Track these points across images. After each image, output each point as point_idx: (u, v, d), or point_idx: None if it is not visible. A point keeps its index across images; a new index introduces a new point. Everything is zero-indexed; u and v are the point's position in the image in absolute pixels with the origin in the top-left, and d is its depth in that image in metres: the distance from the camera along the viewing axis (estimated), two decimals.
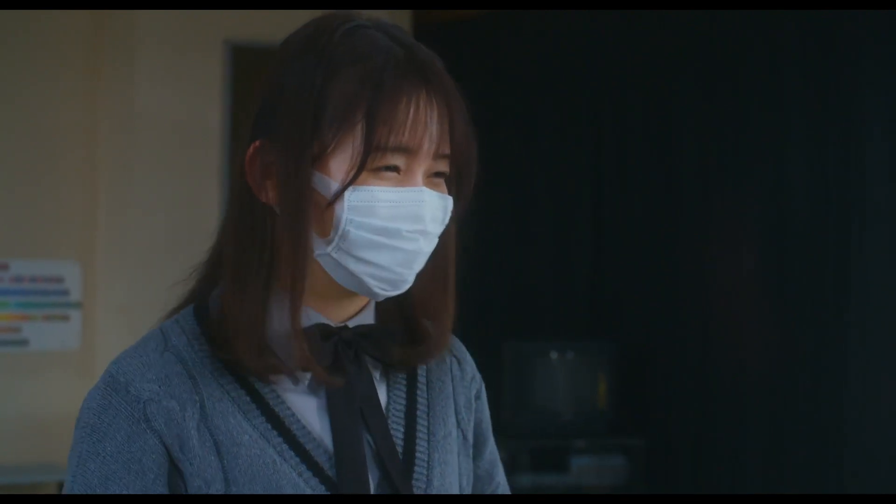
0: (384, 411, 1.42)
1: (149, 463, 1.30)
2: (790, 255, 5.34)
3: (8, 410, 6.17)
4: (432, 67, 1.36)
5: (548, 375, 5.71)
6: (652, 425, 5.77)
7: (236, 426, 1.33)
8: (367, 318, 1.42)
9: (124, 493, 1.29)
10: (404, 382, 1.46)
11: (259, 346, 1.34)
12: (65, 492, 1.34)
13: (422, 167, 1.34)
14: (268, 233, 1.35)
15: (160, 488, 1.30)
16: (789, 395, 5.32)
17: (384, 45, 1.35)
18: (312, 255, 1.34)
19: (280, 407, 1.36)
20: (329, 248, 1.33)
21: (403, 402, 1.45)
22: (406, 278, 1.36)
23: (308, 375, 1.37)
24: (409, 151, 1.33)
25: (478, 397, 1.54)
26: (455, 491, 1.45)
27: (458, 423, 1.50)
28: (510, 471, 5.45)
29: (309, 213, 1.33)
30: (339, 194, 1.31)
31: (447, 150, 1.36)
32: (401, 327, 1.44)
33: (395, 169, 1.33)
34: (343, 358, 1.38)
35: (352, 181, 1.31)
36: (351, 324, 1.40)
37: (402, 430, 1.43)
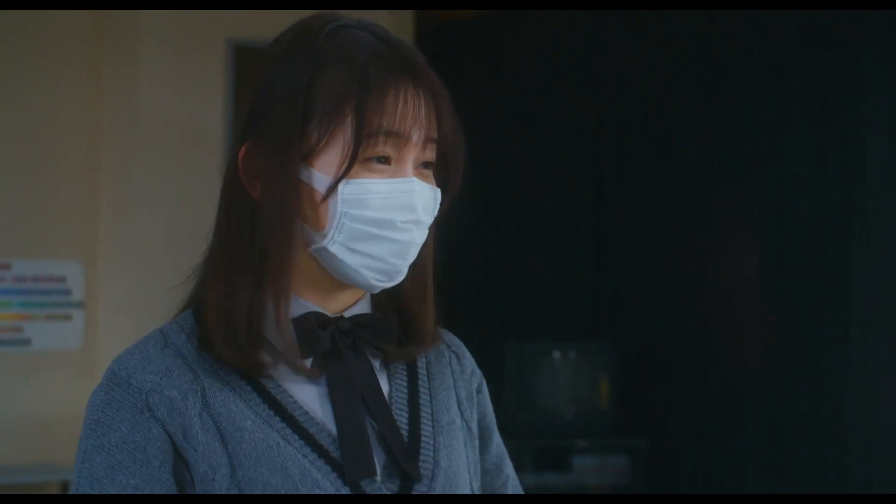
0: (387, 397, 1.45)
1: (154, 451, 1.33)
2: (791, 255, 5.34)
3: (10, 410, 6.17)
4: (417, 62, 1.39)
5: (550, 375, 5.71)
6: (654, 425, 5.77)
7: (238, 413, 1.36)
8: (364, 308, 1.46)
9: (130, 481, 1.31)
10: (405, 372, 1.49)
11: (243, 340, 1.37)
12: (72, 489, 1.35)
13: (411, 156, 1.38)
14: (258, 229, 1.39)
15: (166, 475, 1.33)
16: (790, 395, 5.32)
17: (368, 42, 1.38)
18: (296, 250, 1.38)
19: (281, 395, 1.39)
20: (325, 242, 1.37)
21: (405, 390, 1.47)
22: (400, 269, 1.39)
23: (308, 364, 1.41)
24: (400, 137, 1.36)
25: (479, 391, 1.56)
26: (463, 475, 1.46)
27: (462, 413, 1.52)
28: None
29: (294, 209, 1.37)
30: (333, 188, 1.35)
31: (435, 135, 1.40)
32: (395, 319, 1.47)
33: (386, 160, 1.37)
34: (341, 346, 1.40)
35: (345, 173, 1.35)
36: (347, 314, 1.43)
37: (407, 415, 1.46)
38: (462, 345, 1.59)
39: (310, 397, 1.41)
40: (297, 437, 1.37)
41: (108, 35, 6.26)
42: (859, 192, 5.12)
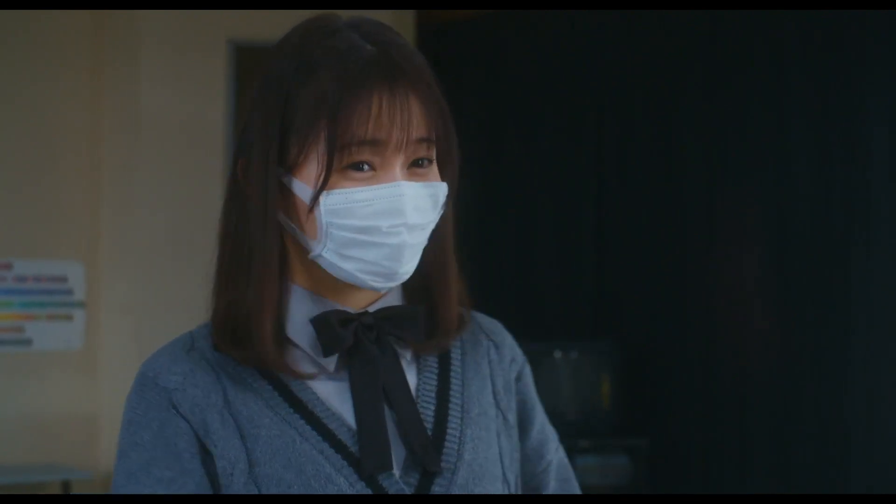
0: (414, 391, 1.47)
1: (183, 444, 1.39)
2: (792, 255, 5.33)
3: (11, 410, 6.17)
4: (401, 64, 1.39)
5: (551, 375, 5.71)
6: (655, 425, 5.77)
7: (257, 411, 1.41)
8: (392, 301, 1.48)
9: (166, 474, 1.39)
10: (436, 364, 1.51)
11: (251, 342, 1.42)
12: (112, 485, 1.45)
13: (397, 160, 1.39)
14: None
15: (197, 466, 1.39)
16: (792, 396, 5.32)
17: (351, 47, 1.40)
18: (274, 257, 1.42)
19: (303, 392, 1.43)
20: (320, 250, 1.40)
21: (435, 381, 1.49)
22: (397, 270, 1.40)
23: (332, 362, 1.44)
24: (377, 145, 1.37)
25: (518, 379, 1.57)
26: (491, 468, 1.47)
27: (497, 403, 1.53)
28: None
29: (273, 222, 1.42)
30: (315, 199, 1.38)
31: (424, 134, 1.40)
32: (423, 310, 1.48)
33: (365, 166, 1.38)
34: (364, 341, 1.43)
35: (322, 185, 1.37)
36: (372, 308, 1.46)
37: (433, 407, 1.47)
38: (503, 332, 1.62)
39: (333, 394, 1.44)
40: (315, 433, 1.41)
41: (109, 35, 6.26)
42: (861, 193, 5.12)
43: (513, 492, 1.51)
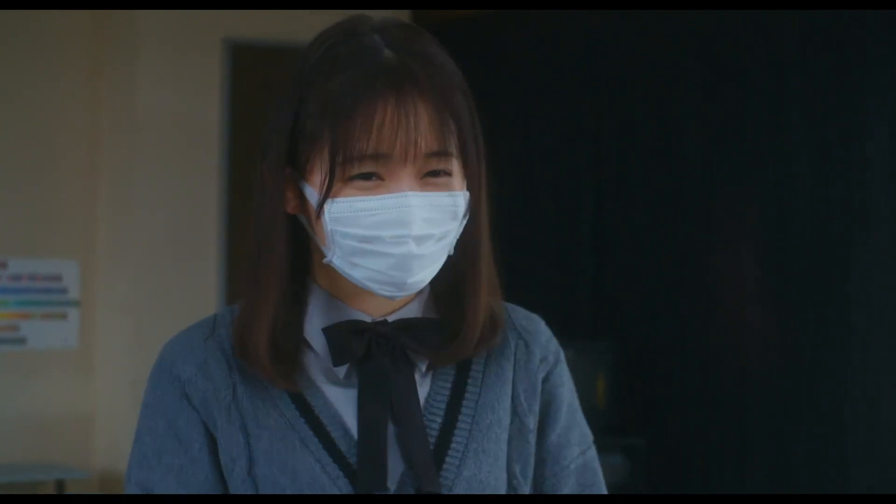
0: (424, 401, 1.45)
1: (194, 435, 1.42)
2: (791, 255, 5.33)
3: (6, 409, 6.17)
4: (415, 72, 1.37)
5: None
6: (652, 425, 5.76)
7: (264, 411, 1.42)
8: (412, 311, 1.46)
9: (176, 462, 1.41)
10: (454, 371, 1.49)
11: (264, 353, 1.42)
12: (127, 467, 1.46)
13: (407, 171, 1.37)
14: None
15: (205, 457, 1.42)
16: (791, 396, 5.31)
17: (367, 52, 1.38)
18: (278, 264, 1.42)
19: (314, 397, 1.43)
20: (331, 256, 1.40)
21: (447, 392, 1.47)
22: (405, 281, 1.38)
23: (343, 368, 1.43)
24: (381, 158, 1.36)
25: (547, 379, 1.54)
26: (493, 481, 1.46)
27: (515, 408, 1.50)
28: None
29: (281, 227, 1.42)
30: (321, 207, 1.37)
31: (436, 147, 1.38)
32: (444, 322, 1.46)
33: (372, 176, 1.37)
34: (376, 353, 1.42)
35: (326, 194, 1.37)
36: (392, 318, 1.44)
37: (440, 420, 1.45)
38: (538, 329, 1.59)
39: (343, 401, 1.44)
40: (317, 440, 1.41)
41: (108, 35, 6.26)
42: (860, 193, 5.11)
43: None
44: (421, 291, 1.46)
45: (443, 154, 1.38)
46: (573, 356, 5.79)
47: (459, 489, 1.43)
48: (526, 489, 1.50)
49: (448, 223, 1.40)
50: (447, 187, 1.40)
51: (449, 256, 1.43)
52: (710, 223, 5.66)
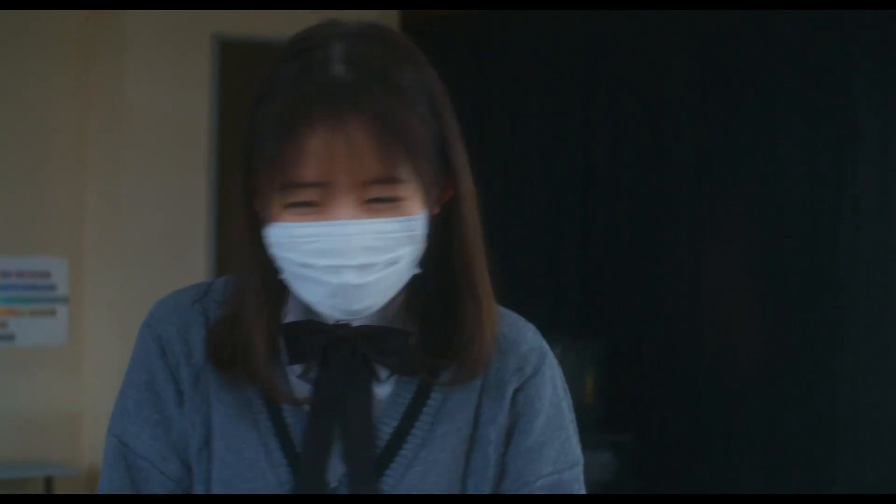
0: (384, 405, 1.42)
1: (171, 393, 1.42)
2: (780, 252, 5.34)
3: None
4: (358, 90, 1.30)
5: None
6: (640, 422, 5.78)
7: (228, 384, 1.41)
8: (383, 318, 1.41)
9: (154, 416, 1.43)
10: (418, 378, 1.44)
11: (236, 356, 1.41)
12: (110, 416, 1.47)
13: (347, 198, 1.31)
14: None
15: (178, 415, 1.42)
16: (778, 392, 5.32)
17: (316, 69, 1.32)
18: (252, 273, 1.40)
19: (280, 381, 1.42)
20: (282, 274, 1.37)
21: (409, 396, 1.43)
22: (349, 307, 1.35)
23: (297, 368, 1.42)
24: (319, 186, 1.31)
25: (521, 390, 1.46)
26: (442, 490, 1.42)
27: (478, 418, 1.45)
28: None
29: (248, 237, 1.39)
30: (265, 230, 1.35)
31: (380, 175, 1.31)
32: (413, 335, 1.42)
33: (311, 204, 1.32)
34: (332, 355, 1.40)
35: (268, 219, 1.34)
36: (357, 322, 1.40)
37: (395, 424, 1.42)
38: (519, 336, 1.52)
39: (305, 393, 1.42)
40: (270, 424, 1.40)
41: (97, 32, 6.25)
42: (850, 190, 5.13)
43: None
44: (394, 299, 1.40)
45: (387, 181, 1.31)
46: (560, 353, 5.81)
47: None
48: None
49: (398, 248, 1.34)
50: (396, 212, 1.33)
51: (428, 272, 1.39)
52: (699, 221, 5.67)
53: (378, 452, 1.41)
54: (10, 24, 6.16)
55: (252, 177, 1.35)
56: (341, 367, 1.40)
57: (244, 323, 1.39)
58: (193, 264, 6.04)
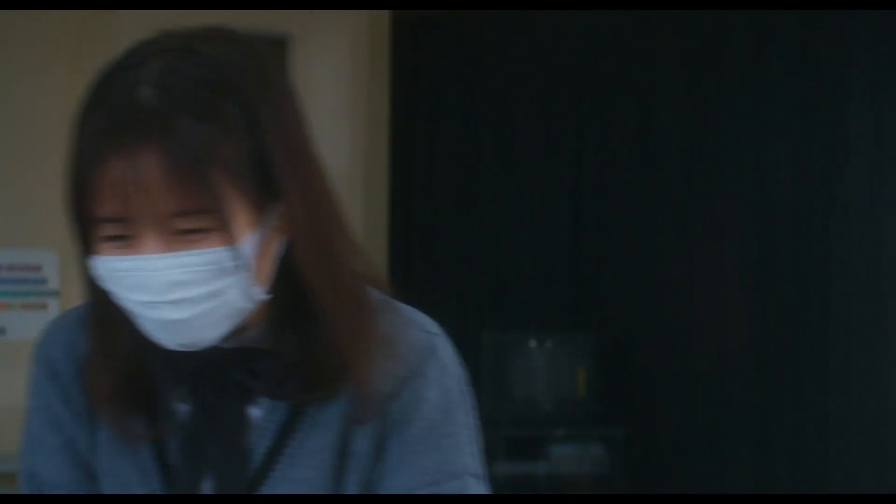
0: (259, 422, 1.36)
1: (67, 414, 1.39)
2: (772, 246, 5.35)
3: None
4: (156, 118, 1.23)
5: (527, 364, 5.72)
6: (632, 414, 5.78)
7: None
8: (252, 338, 1.35)
9: (58, 441, 1.39)
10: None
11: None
12: (21, 448, 1.44)
13: (151, 232, 1.25)
14: None
15: (80, 434, 1.39)
16: (770, 385, 5.33)
17: (112, 97, 1.27)
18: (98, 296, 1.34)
19: (168, 393, 1.38)
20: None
21: (282, 414, 1.36)
22: (180, 341, 1.29)
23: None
24: (121, 220, 1.25)
25: (394, 396, 1.36)
26: None
27: (349, 430, 1.36)
28: (489, 459, 5.46)
29: (83, 268, 1.34)
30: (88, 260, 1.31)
31: (182, 207, 1.24)
32: (285, 358, 1.35)
33: (122, 237, 1.26)
34: (203, 375, 1.35)
35: (82, 250, 1.30)
36: (229, 343, 1.33)
37: (268, 443, 1.36)
38: (400, 335, 1.38)
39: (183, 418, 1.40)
40: (149, 445, 1.37)
41: (88, 27, 6.25)
42: (841, 183, 5.14)
43: None
44: (258, 320, 1.33)
45: (188, 213, 1.24)
46: (552, 346, 5.83)
47: None
48: None
49: (214, 281, 1.26)
50: (206, 244, 1.25)
51: (278, 291, 1.32)
52: (691, 214, 5.68)
53: (251, 473, 1.35)
54: (1, 21, 6.15)
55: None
56: (213, 390, 1.35)
57: (92, 358, 1.36)
58: None
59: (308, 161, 1.32)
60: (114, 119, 1.24)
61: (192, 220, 1.24)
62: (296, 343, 1.34)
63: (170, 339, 1.29)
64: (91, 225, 1.27)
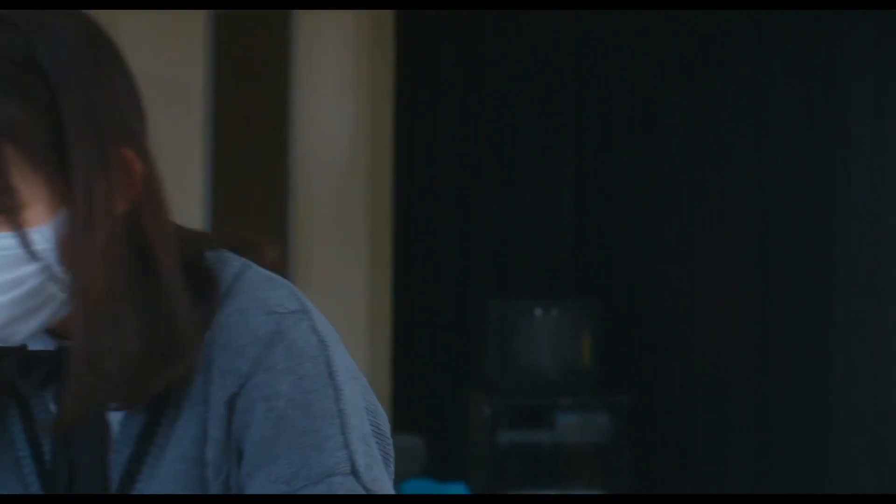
0: (118, 430, 1.23)
1: None
2: (775, 217, 5.37)
3: None
4: None
5: (532, 333, 5.74)
6: (636, 383, 5.81)
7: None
8: (42, 338, 1.22)
9: None
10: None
11: None
12: None
13: None
14: None
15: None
16: (773, 355, 5.36)
17: None
18: None
19: (40, 409, 1.26)
20: None
21: (143, 416, 1.22)
22: None
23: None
24: None
25: (240, 394, 1.19)
26: None
27: (204, 437, 1.21)
28: (494, 428, 5.49)
29: None
30: None
31: None
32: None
33: None
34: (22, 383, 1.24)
35: None
36: (20, 343, 1.20)
37: (128, 452, 1.23)
38: (239, 325, 1.20)
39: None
40: (27, 445, 1.25)
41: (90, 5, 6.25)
42: (842, 186, 5.15)
43: None
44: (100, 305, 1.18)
45: None
46: (557, 315, 5.85)
47: None
48: None
49: (9, 270, 1.15)
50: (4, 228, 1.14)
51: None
52: (694, 183, 5.69)
53: (115, 485, 1.23)
54: None
55: None
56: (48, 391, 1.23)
57: None
58: None
59: (121, 144, 1.21)
60: None
61: None
62: (129, 335, 1.18)
63: None
64: None
